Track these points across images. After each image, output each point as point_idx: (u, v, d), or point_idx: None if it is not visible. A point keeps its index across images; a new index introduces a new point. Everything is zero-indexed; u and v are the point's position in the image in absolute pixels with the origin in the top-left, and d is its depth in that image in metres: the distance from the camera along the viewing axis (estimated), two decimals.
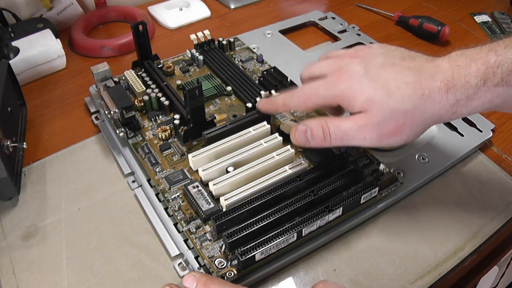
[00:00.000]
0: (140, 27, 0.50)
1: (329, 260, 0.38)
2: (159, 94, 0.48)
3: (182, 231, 0.38)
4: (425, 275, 0.37)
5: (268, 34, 0.64)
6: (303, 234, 0.36)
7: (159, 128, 0.45)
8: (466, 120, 0.49)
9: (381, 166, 0.42)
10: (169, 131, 0.45)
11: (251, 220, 0.35)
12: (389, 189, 0.41)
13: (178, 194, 0.40)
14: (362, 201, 0.39)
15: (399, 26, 0.69)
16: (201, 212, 0.37)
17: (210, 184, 0.38)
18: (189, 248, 0.37)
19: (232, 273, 0.34)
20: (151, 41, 0.58)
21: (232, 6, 0.73)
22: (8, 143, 0.42)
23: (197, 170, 0.41)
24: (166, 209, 0.40)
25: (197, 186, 0.39)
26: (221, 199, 0.37)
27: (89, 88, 0.52)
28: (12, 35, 0.59)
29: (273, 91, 0.47)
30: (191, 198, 0.38)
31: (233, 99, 0.50)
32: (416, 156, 0.45)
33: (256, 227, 0.35)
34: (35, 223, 0.41)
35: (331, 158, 0.41)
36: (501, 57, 0.31)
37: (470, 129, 0.49)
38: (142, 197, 0.42)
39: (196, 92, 0.41)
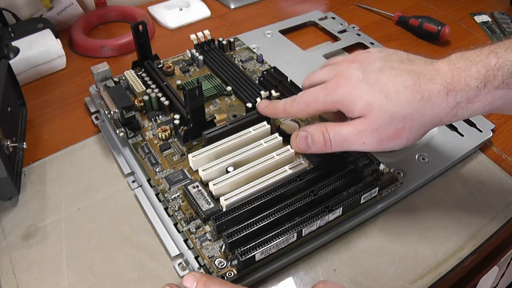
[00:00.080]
0: (140, 27, 0.50)
1: (329, 260, 0.38)
2: (159, 94, 0.48)
3: (182, 231, 0.38)
4: (425, 275, 0.37)
5: (268, 34, 0.64)
6: (303, 234, 0.36)
7: (159, 128, 0.45)
8: (466, 120, 0.49)
9: (381, 166, 0.42)
10: (169, 131, 0.45)
11: (251, 220, 0.35)
12: (389, 189, 0.41)
13: (178, 194, 0.40)
14: (362, 201, 0.39)
15: (399, 26, 0.69)
16: (201, 212, 0.37)
17: (210, 184, 0.38)
18: (189, 248, 0.37)
19: (232, 273, 0.34)
20: (151, 41, 0.58)
21: (232, 6, 0.73)
22: (8, 143, 0.42)
23: (197, 170, 0.41)
24: (166, 209, 0.40)
25: (197, 186, 0.39)
26: (221, 199, 0.37)
27: (89, 88, 0.52)
28: (12, 35, 0.59)
29: (273, 91, 0.47)
30: (191, 198, 0.38)
31: (233, 99, 0.50)
32: (416, 156, 0.45)
33: (256, 227, 0.35)
34: (35, 223, 0.41)
35: (331, 158, 0.41)
36: (501, 59, 0.31)
37: (470, 129, 0.49)
38: (142, 197, 0.42)
39: (196, 92, 0.41)
